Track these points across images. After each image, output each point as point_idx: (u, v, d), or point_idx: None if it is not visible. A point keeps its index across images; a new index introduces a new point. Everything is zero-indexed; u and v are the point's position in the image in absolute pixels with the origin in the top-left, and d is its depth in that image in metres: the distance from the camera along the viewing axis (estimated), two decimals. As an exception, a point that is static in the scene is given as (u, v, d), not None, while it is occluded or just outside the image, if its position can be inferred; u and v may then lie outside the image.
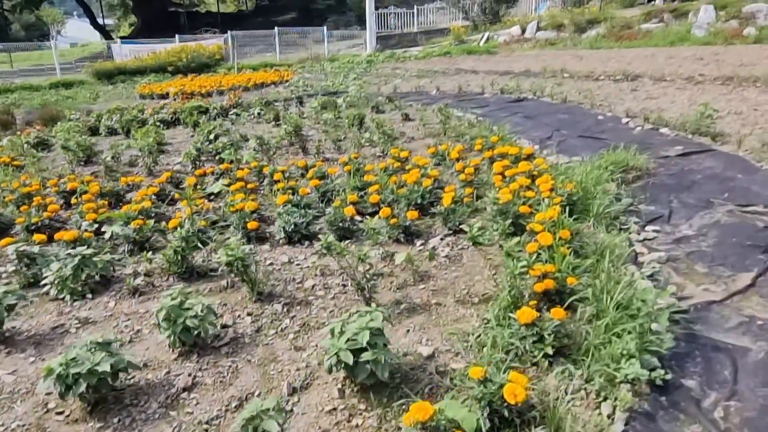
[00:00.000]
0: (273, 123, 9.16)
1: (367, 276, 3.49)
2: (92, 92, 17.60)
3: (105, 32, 47.26)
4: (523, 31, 23.90)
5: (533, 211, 4.31)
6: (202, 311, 3.11)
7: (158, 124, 9.52)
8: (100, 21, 51.23)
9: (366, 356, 2.61)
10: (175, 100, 13.93)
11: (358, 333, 2.66)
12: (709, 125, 6.64)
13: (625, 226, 4.46)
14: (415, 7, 32.03)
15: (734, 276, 3.66)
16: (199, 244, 4.35)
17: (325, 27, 28.02)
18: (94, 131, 9.66)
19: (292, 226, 4.48)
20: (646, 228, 4.48)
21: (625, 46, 17.66)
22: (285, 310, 3.56)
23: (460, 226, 4.47)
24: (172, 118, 9.87)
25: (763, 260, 3.78)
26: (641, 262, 3.93)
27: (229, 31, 26.75)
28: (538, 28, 23.30)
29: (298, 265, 4.18)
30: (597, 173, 5.19)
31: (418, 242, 4.43)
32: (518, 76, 13.52)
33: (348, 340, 2.67)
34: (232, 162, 6.42)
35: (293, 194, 5.07)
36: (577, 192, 4.68)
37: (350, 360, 2.59)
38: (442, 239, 4.43)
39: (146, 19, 46.22)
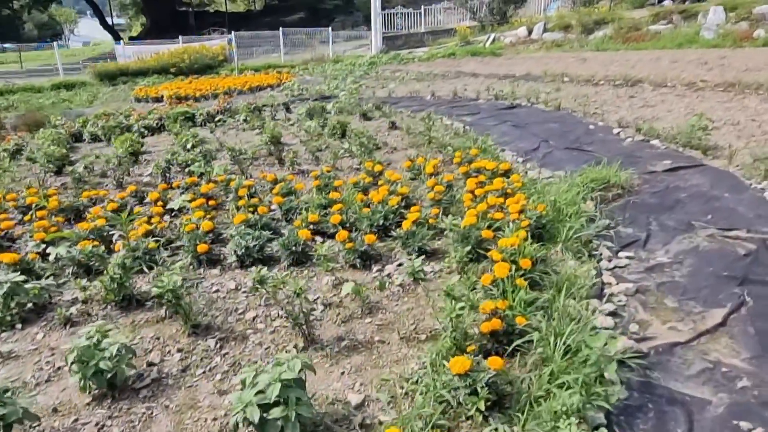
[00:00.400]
0: (257, 131, 8.95)
1: (305, 311, 3.25)
2: (91, 94, 17.53)
3: (114, 32, 47.41)
4: (530, 32, 23.55)
5: (498, 236, 4.05)
6: (118, 352, 2.89)
7: (143, 130, 9.36)
8: (112, 21, 51.38)
9: (275, 413, 2.38)
10: (168, 103, 13.80)
11: (270, 385, 2.43)
12: (701, 137, 6.31)
13: (596, 252, 4.19)
14: (423, 7, 31.74)
15: (705, 312, 3.38)
16: (144, 268, 4.14)
17: (330, 28, 27.82)
18: (77, 138, 9.53)
19: (244, 249, 4.26)
20: (620, 254, 4.20)
21: (632, 48, 17.28)
22: (218, 346, 3.33)
23: (423, 250, 4.24)
24: (157, 124, 9.70)
25: (737, 294, 3.50)
26: (608, 294, 3.66)
27: (233, 32, 26.62)
28: (545, 29, 22.93)
29: (244, 292, 3.95)
30: (573, 192, 4.91)
31: (375, 268, 4.18)
32: (518, 80, 13.23)
33: (258, 392, 2.44)
34: (202, 175, 6.22)
35: (254, 212, 4.85)
36: (548, 214, 4.41)
37: (256, 417, 2.36)
38: (399, 265, 4.18)
39: (155, 19, 46.31)
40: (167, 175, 6.43)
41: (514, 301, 3.22)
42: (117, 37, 46.17)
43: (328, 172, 5.98)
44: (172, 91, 14.88)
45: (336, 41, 31.92)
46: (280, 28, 27.12)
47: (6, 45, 64.83)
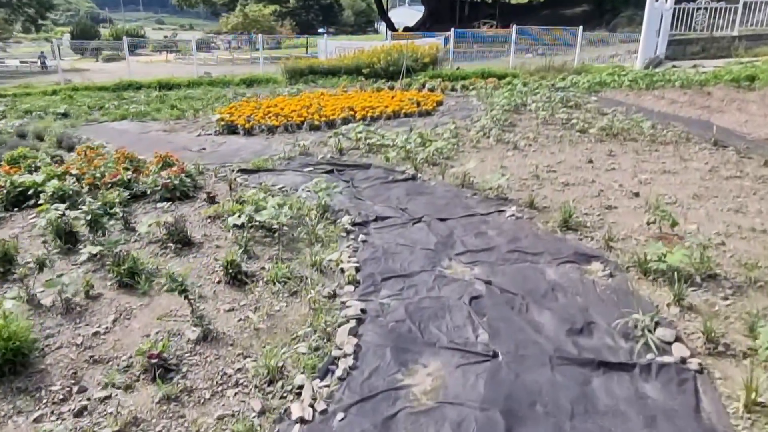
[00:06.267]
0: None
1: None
2: (211, 99, 14.57)
3: (389, 22, 46.28)
4: None
5: None
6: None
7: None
8: (387, 7, 50.76)
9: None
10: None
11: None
12: None
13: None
14: (741, 1, 21.78)
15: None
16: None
17: (581, 28, 20.52)
18: None
19: None
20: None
21: None
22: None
23: None
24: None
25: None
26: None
27: (453, 29, 21.53)
28: None
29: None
30: None
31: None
32: None
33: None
34: None
35: None
36: None
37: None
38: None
39: (432, 8, 43.74)
40: None
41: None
42: (392, 28, 45.03)
43: None
44: (298, 107, 10.60)
45: (610, 43, 24.42)
46: (513, 27, 20.96)
47: (320, 30, 71.11)
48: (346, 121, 9.95)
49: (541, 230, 4.63)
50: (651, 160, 6.94)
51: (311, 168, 6.86)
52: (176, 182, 5.69)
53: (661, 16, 20.21)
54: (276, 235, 4.58)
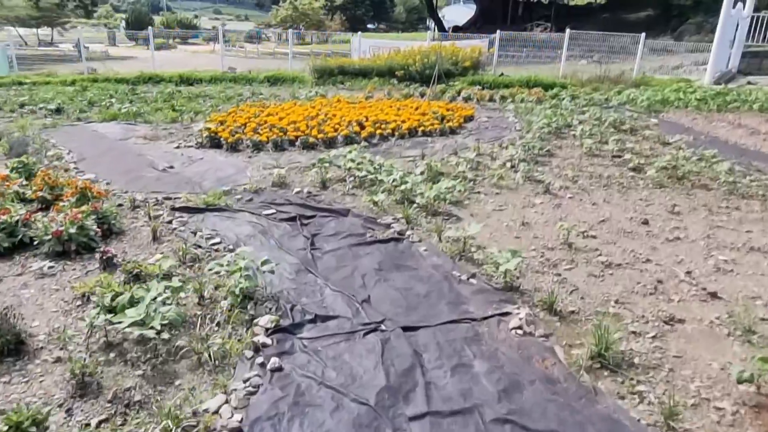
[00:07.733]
0: None
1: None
2: (223, 98, 13.21)
3: (438, 21, 44.21)
4: None
5: None
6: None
7: None
8: (436, 3, 48.71)
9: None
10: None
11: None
12: None
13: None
14: (836, 9, 19.14)
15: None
16: None
17: (643, 35, 18.25)
18: None
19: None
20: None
21: None
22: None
23: None
24: None
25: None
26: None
27: (499, 31, 19.61)
28: None
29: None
30: None
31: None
32: None
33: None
34: None
35: None
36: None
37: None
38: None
39: (484, 7, 41.60)
40: None
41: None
42: (441, 26, 43.14)
43: None
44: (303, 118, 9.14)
45: (675, 52, 21.93)
46: (567, 31, 18.90)
47: (369, 26, 69.58)
48: (348, 139, 8.36)
49: (559, 367, 2.93)
50: (730, 224, 5.09)
51: (273, 210, 5.29)
52: (72, 231, 4.22)
53: (737, 25, 17.78)
54: (153, 343, 3.03)
